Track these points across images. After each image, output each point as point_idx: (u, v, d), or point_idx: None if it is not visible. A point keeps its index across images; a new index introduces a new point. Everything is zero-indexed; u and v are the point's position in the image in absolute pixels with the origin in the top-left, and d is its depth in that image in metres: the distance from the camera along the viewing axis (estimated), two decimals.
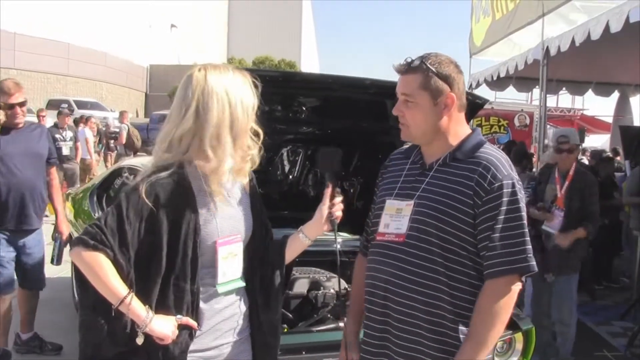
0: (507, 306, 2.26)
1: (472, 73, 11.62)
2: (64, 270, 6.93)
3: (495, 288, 2.25)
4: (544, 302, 5.63)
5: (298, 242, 2.53)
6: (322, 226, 2.49)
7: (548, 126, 19.49)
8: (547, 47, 7.87)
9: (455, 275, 2.30)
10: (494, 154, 2.35)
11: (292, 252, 2.56)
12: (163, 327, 2.21)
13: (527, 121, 16.45)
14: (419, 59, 2.36)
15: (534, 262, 2.27)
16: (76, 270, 2.27)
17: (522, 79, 10.92)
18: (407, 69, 2.37)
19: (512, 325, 3.75)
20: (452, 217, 2.28)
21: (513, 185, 2.28)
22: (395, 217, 2.41)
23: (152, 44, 45.23)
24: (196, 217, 2.26)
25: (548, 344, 5.58)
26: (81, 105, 30.30)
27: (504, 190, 2.26)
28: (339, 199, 2.49)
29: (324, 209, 2.48)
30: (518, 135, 16.10)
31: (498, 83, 11.08)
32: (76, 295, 5.37)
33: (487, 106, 17.09)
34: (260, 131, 2.39)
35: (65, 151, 12.39)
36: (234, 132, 2.28)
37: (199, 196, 2.28)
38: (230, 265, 2.36)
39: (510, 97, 17.86)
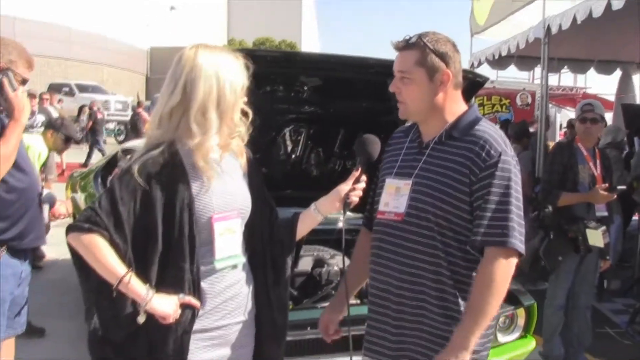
0: (501, 278, 2.29)
1: (474, 52, 11.60)
2: (69, 253, 6.95)
3: (490, 261, 2.29)
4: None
5: (310, 217, 2.55)
6: (335, 203, 2.49)
7: (550, 105, 19.51)
8: (549, 25, 7.85)
9: (452, 250, 2.35)
10: (489, 131, 2.38)
11: (304, 227, 2.58)
12: (164, 305, 2.22)
13: (529, 100, 16.44)
14: (416, 36, 2.40)
15: (514, 239, 2.29)
16: (74, 257, 2.28)
17: (524, 57, 10.87)
18: (404, 45, 2.41)
19: (514, 301, 3.81)
20: (448, 195, 2.33)
21: (506, 162, 2.32)
22: (394, 196, 2.45)
23: (153, 26, 45.08)
24: (190, 194, 2.27)
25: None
26: (82, 89, 30.26)
27: (498, 166, 2.30)
28: (361, 185, 2.50)
29: (343, 188, 2.49)
30: (520, 114, 16.10)
31: (499, 62, 11.06)
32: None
33: (488, 85, 17.12)
34: (250, 111, 2.41)
35: None
36: (220, 110, 2.30)
37: (191, 173, 2.30)
38: (227, 241, 2.37)
39: (513, 76, 17.78)
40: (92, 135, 20.05)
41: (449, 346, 2.30)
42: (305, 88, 4.26)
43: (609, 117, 14.70)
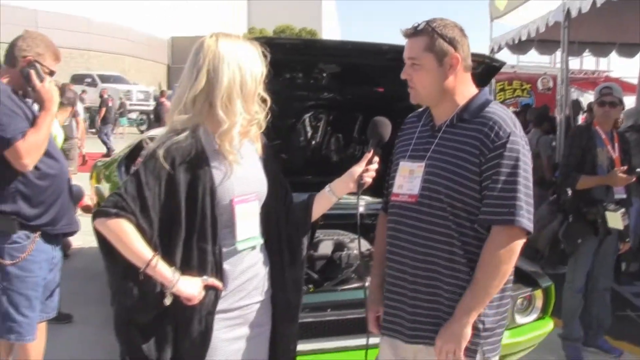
0: (506, 257, 2.35)
1: (494, 37, 11.54)
2: (94, 241, 7.05)
3: (495, 239, 2.35)
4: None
5: (325, 198, 2.61)
6: (349, 184, 2.56)
7: (572, 89, 19.32)
8: (568, 8, 7.81)
9: (465, 230, 2.41)
10: (499, 113, 2.43)
11: (319, 208, 2.64)
12: (189, 287, 2.30)
13: (551, 84, 16.33)
14: (424, 23, 2.45)
15: (522, 218, 2.33)
16: (101, 242, 2.35)
17: (544, 41, 10.78)
18: (413, 32, 2.47)
19: (532, 283, 3.86)
20: (460, 176, 2.38)
21: (515, 142, 2.36)
22: (408, 178, 2.51)
23: (173, 15, 45.22)
24: (212, 178, 2.34)
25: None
26: (104, 79, 30.49)
27: (507, 146, 2.35)
28: (374, 166, 2.56)
29: (357, 169, 2.55)
30: (541, 98, 16.00)
31: (519, 46, 10.99)
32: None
33: (509, 70, 16.92)
34: (268, 98, 2.47)
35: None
36: (243, 96, 2.37)
37: (212, 158, 2.37)
38: (247, 223, 2.45)
39: (534, 61, 17.65)
40: (101, 123, 20.05)
41: (450, 321, 2.38)
42: (324, 75, 4.31)
43: (632, 100, 14.63)
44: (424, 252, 2.45)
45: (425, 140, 2.54)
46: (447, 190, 2.39)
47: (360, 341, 2.88)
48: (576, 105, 9.66)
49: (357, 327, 2.89)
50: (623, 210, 4.87)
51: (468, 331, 2.36)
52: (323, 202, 2.63)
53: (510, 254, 2.36)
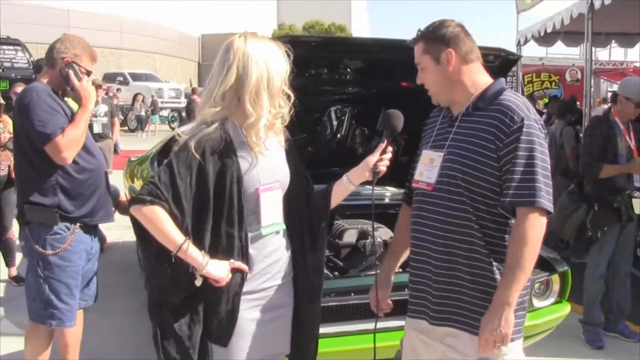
0: (533, 236, 2.44)
1: (520, 29, 11.58)
2: (127, 236, 7.41)
3: (522, 221, 2.45)
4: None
5: (342, 186, 2.76)
6: (364, 173, 2.71)
7: (602, 80, 19.18)
8: (592, 0, 7.86)
9: (483, 214, 2.52)
10: (512, 99, 2.54)
11: (337, 196, 2.80)
12: (218, 270, 2.45)
13: (579, 76, 16.30)
14: (419, 30, 2.64)
15: (542, 199, 2.44)
16: (136, 227, 2.50)
17: (570, 33, 10.80)
18: (414, 40, 2.65)
19: (549, 268, 3.97)
20: (477, 162, 2.50)
21: (530, 126, 2.47)
22: (428, 166, 2.64)
23: (203, 13, 45.55)
24: (239, 168, 2.50)
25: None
26: (136, 77, 30.83)
27: (522, 130, 2.45)
28: (388, 155, 2.71)
29: (372, 159, 2.70)
30: (570, 90, 15.96)
31: (546, 38, 11.02)
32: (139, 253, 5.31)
33: (537, 62, 16.81)
34: (291, 94, 2.62)
35: (97, 128, 10.00)
36: (269, 92, 2.53)
37: (239, 148, 2.53)
38: (271, 210, 2.61)
39: (564, 53, 17.57)
40: None
41: (493, 304, 2.47)
42: (348, 70, 4.44)
43: None
44: (444, 236, 2.57)
45: (445, 130, 2.67)
46: (464, 176, 2.52)
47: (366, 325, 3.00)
48: None
49: (369, 312, 3.01)
50: None
51: (512, 315, 2.45)
52: (341, 190, 2.78)
53: (537, 232, 2.46)
